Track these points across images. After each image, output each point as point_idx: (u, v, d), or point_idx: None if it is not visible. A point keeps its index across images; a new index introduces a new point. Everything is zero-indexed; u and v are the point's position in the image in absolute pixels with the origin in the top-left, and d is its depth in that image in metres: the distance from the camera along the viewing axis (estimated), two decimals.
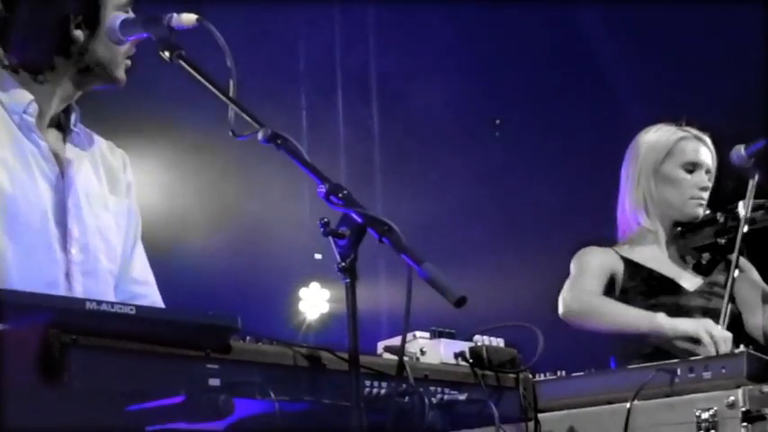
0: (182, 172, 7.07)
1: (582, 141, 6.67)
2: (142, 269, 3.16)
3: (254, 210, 7.25)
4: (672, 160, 4.26)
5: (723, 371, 3.20)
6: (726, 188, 4.34)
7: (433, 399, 2.69)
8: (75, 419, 2.28)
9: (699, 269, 4.28)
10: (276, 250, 7.25)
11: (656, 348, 4.00)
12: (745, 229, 4.09)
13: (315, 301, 7.85)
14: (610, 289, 4.19)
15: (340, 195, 2.53)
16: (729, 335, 3.85)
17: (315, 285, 7.81)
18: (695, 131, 4.33)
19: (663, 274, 4.21)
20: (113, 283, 3.05)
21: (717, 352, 3.74)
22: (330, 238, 2.48)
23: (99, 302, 2.20)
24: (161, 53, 2.78)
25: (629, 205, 4.30)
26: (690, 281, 4.24)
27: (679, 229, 4.27)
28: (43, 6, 2.91)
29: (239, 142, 2.69)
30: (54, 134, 3.00)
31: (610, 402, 3.29)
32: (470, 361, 2.83)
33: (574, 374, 3.43)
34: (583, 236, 4.36)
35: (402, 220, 2.52)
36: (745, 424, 3.08)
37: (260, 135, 2.62)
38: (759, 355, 3.28)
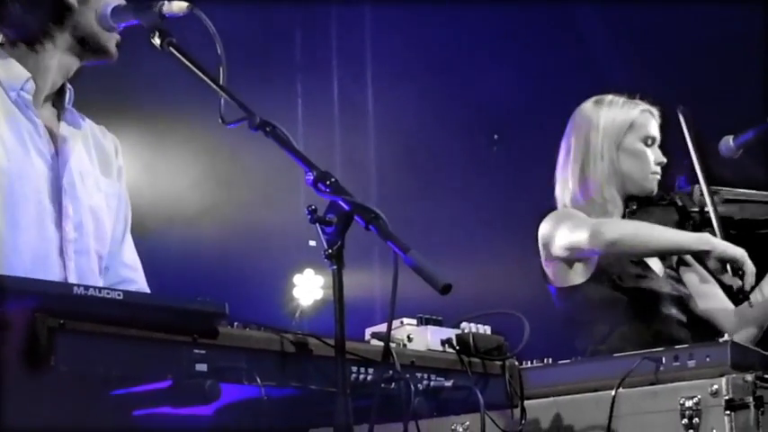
0: (179, 158, 7.08)
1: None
2: (132, 254, 3.20)
3: (250, 196, 7.26)
4: (634, 133, 4.21)
5: (707, 359, 3.21)
6: (724, 176, 4.33)
7: (419, 385, 2.72)
8: (62, 403, 2.29)
9: None
10: (271, 237, 7.26)
11: (656, 333, 4.01)
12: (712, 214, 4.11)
13: (309, 288, 7.88)
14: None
15: (327, 183, 2.54)
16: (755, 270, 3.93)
17: (309, 272, 7.85)
18: (649, 105, 4.29)
19: None
20: (103, 265, 3.08)
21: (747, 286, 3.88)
22: (317, 225, 2.50)
23: (87, 287, 2.22)
24: (152, 40, 2.79)
25: (591, 177, 4.18)
26: (655, 264, 4.23)
27: (634, 205, 4.20)
28: None
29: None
30: (49, 111, 3.03)
31: (595, 390, 3.29)
32: (457, 348, 2.85)
33: (560, 362, 3.44)
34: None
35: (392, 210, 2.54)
36: (728, 412, 3.08)
37: (249, 123, 2.64)
38: (743, 344, 3.31)
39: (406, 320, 2.84)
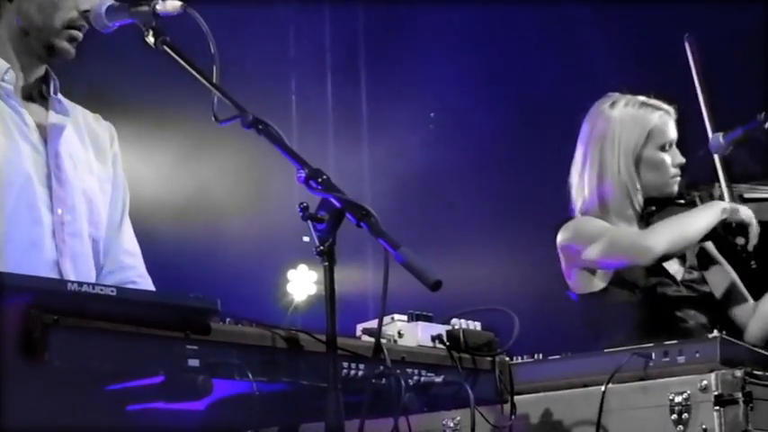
0: (172, 152, 7.08)
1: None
2: (131, 240, 3.21)
3: (243, 192, 7.27)
4: (652, 143, 4.15)
5: (697, 355, 3.22)
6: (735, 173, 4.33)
7: (409, 381, 2.73)
8: (56, 399, 2.31)
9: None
10: (265, 232, 7.27)
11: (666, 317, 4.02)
12: None
13: (302, 283, 7.88)
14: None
15: (319, 180, 2.55)
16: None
17: (303, 267, 7.85)
18: (665, 105, 4.23)
19: None
20: (98, 249, 3.09)
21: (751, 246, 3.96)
22: (309, 222, 2.52)
23: (80, 284, 2.23)
24: (146, 39, 2.81)
25: (608, 187, 4.14)
26: (672, 266, 4.18)
27: (653, 207, 4.18)
28: None
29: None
30: (35, 107, 3.05)
31: (585, 385, 3.31)
32: (447, 344, 2.87)
33: (550, 357, 3.46)
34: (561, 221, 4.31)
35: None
36: (717, 408, 3.10)
37: (242, 120, 2.66)
38: (733, 339, 3.31)
39: (396, 316, 2.86)
